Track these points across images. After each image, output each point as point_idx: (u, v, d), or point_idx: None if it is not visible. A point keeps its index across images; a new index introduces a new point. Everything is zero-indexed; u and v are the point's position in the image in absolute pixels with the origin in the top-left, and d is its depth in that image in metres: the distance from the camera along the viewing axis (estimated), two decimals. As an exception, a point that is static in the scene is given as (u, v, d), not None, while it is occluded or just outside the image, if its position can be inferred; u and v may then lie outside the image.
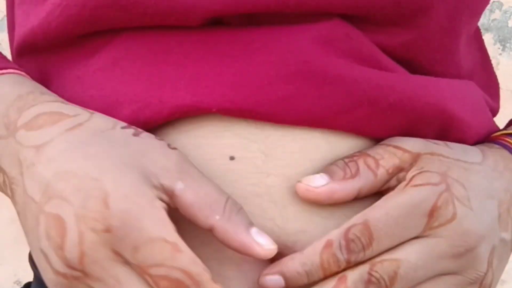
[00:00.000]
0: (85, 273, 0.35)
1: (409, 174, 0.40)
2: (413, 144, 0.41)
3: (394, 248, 0.39)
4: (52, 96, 0.42)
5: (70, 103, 0.41)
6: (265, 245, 0.37)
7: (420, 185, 0.40)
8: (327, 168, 0.41)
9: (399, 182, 0.41)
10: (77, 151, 0.37)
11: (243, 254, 0.37)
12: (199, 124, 0.41)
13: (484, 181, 0.42)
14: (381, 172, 0.40)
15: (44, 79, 0.45)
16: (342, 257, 0.38)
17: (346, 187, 0.40)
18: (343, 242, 0.38)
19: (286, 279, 0.38)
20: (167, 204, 0.37)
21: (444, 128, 0.43)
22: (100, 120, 0.40)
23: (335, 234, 0.39)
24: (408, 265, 0.39)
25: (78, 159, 0.36)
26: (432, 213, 0.39)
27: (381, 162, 0.40)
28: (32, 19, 0.44)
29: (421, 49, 0.44)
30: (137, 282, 0.35)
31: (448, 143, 0.43)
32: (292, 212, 0.41)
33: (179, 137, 0.41)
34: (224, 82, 0.40)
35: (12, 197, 0.40)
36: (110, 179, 0.35)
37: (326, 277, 0.39)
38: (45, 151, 0.38)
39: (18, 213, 0.40)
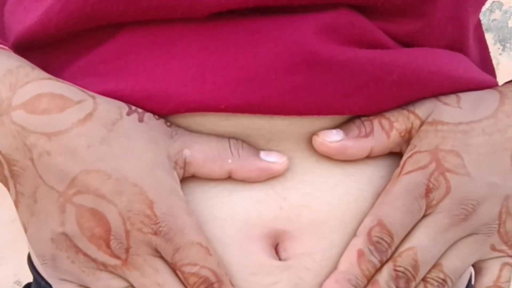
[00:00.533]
0: (126, 262, 0.39)
1: (403, 158, 0.42)
2: (424, 110, 0.43)
3: (405, 237, 0.42)
4: (43, 72, 0.42)
5: (65, 82, 0.41)
6: (278, 161, 0.41)
7: (411, 171, 0.42)
8: (344, 126, 0.42)
9: (412, 147, 0.43)
10: (103, 150, 0.39)
11: (266, 177, 0.41)
12: (199, 112, 0.41)
13: (491, 136, 0.43)
14: (394, 134, 0.42)
15: None
16: (376, 260, 0.40)
17: (359, 145, 0.42)
18: (371, 247, 0.40)
19: None
20: (183, 176, 0.41)
21: (454, 92, 0.44)
22: (106, 108, 0.40)
23: (360, 243, 0.41)
24: (422, 249, 0.41)
25: (107, 160, 0.39)
26: (427, 194, 0.41)
27: (395, 124, 0.42)
28: (31, 16, 0.44)
29: (426, 38, 0.44)
30: (170, 274, 0.39)
31: (462, 95, 0.44)
32: (293, 182, 0.42)
33: (179, 123, 0.42)
34: (231, 76, 0.40)
35: (11, 177, 0.40)
36: (148, 186, 0.39)
37: (368, 281, 0.41)
38: (61, 142, 0.39)
39: (20, 194, 0.40)
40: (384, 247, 0.40)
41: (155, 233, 0.39)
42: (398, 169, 0.42)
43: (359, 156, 0.42)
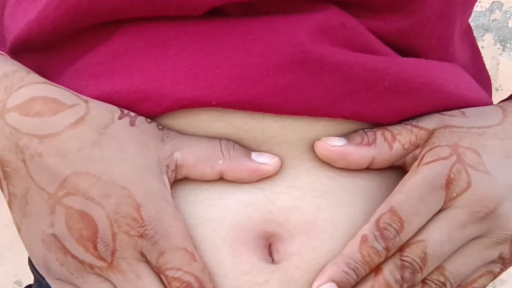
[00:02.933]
0: (111, 265, 0.39)
1: (422, 152, 0.42)
2: (428, 121, 0.43)
3: (419, 230, 0.41)
4: (38, 76, 0.42)
5: (59, 86, 0.42)
6: (269, 162, 0.41)
7: (431, 161, 0.41)
8: (347, 135, 0.42)
9: (414, 159, 0.43)
10: (93, 152, 0.40)
11: (257, 178, 0.41)
12: (194, 111, 0.42)
13: (503, 141, 0.43)
14: (397, 146, 0.42)
15: (41, 76, 0.44)
16: (380, 246, 0.40)
17: (361, 152, 0.42)
18: (377, 233, 0.40)
19: (337, 282, 0.40)
20: (175, 178, 0.41)
21: (443, 107, 0.44)
22: (98, 113, 0.41)
23: (367, 228, 0.40)
24: (434, 243, 0.41)
25: (97, 163, 0.39)
26: (448, 185, 0.41)
27: (398, 136, 0.42)
28: (29, 14, 0.44)
29: (416, 36, 0.45)
30: (153, 279, 0.40)
31: (465, 110, 0.44)
32: (282, 187, 0.42)
33: (172, 123, 0.42)
34: (224, 74, 0.40)
35: (4, 178, 0.41)
36: (136, 189, 0.39)
37: (372, 270, 0.40)
38: (53, 145, 0.40)
39: (13, 195, 0.41)
40: (391, 233, 0.40)
41: (141, 236, 0.39)
42: (417, 162, 0.42)
43: (360, 164, 0.42)
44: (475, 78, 0.50)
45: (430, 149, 0.42)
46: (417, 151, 0.43)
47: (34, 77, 0.42)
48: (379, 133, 0.42)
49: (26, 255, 0.52)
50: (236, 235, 0.41)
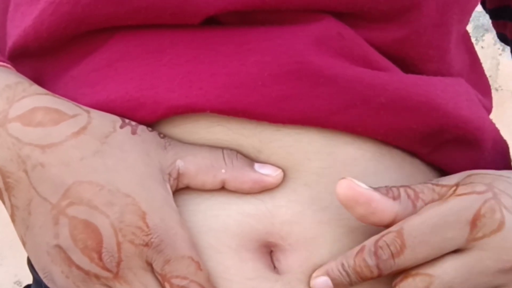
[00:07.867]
0: (117, 276, 0.39)
1: (458, 185, 0.40)
2: (448, 179, 0.41)
3: (433, 261, 0.39)
4: (40, 88, 0.42)
5: (61, 97, 0.42)
6: (272, 174, 0.41)
7: (464, 194, 0.38)
8: (370, 187, 0.40)
9: (467, 182, 0.40)
10: (95, 161, 0.39)
11: (259, 189, 0.41)
12: (191, 118, 0.41)
13: None
14: (420, 205, 0.40)
15: (37, 82, 0.44)
16: (371, 262, 0.39)
17: (387, 203, 0.39)
18: (372, 249, 0.39)
19: (331, 279, 0.40)
20: (177, 187, 0.41)
21: (440, 126, 0.43)
22: (100, 122, 0.40)
23: (370, 241, 0.39)
24: (441, 282, 0.38)
25: (100, 171, 0.39)
26: (474, 221, 0.38)
27: (420, 195, 0.40)
28: (26, 20, 0.44)
29: (413, 46, 0.44)
30: None
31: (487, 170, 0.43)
32: (282, 200, 0.41)
33: (172, 131, 0.42)
34: (218, 82, 0.40)
35: (6, 189, 0.40)
36: (141, 197, 0.39)
37: (363, 281, 0.39)
38: (55, 154, 0.39)
39: (15, 207, 0.40)
40: (385, 254, 0.39)
41: (147, 245, 0.38)
42: (450, 191, 0.40)
43: (383, 216, 0.39)
44: (474, 84, 0.50)
45: (465, 184, 0.39)
46: None
47: (37, 88, 0.42)
48: (402, 189, 0.40)
49: (26, 255, 0.52)
50: (240, 243, 0.41)
